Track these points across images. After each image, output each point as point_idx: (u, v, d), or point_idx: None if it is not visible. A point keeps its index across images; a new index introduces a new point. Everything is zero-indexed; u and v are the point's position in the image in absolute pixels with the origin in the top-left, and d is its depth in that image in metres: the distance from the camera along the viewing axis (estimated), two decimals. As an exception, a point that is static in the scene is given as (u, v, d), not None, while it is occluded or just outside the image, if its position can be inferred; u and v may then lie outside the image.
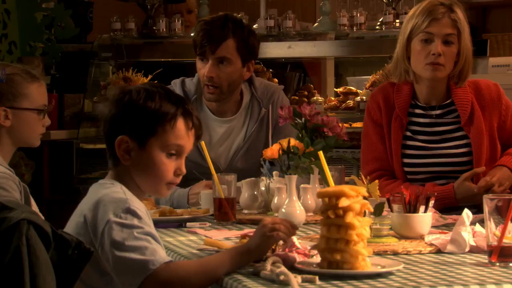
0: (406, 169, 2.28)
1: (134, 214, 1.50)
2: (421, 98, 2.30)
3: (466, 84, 2.28)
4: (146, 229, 1.50)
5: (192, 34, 2.55)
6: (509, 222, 1.51)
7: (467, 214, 1.69)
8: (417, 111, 2.31)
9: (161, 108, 1.56)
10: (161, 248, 1.50)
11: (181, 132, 1.58)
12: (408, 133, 2.29)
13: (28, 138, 2.10)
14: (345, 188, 1.45)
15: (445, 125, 2.29)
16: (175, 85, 2.61)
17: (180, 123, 1.58)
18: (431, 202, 1.82)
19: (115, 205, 1.50)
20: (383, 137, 2.30)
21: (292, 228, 1.54)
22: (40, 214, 1.72)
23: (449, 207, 2.19)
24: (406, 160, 2.28)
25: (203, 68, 2.49)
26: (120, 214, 1.49)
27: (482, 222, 1.67)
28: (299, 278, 1.38)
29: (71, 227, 1.56)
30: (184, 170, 1.62)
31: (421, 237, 1.78)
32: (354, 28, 3.83)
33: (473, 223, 1.73)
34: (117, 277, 1.49)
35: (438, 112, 2.29)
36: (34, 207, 2.09)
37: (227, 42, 2.46)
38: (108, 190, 1.54)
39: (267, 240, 1.50)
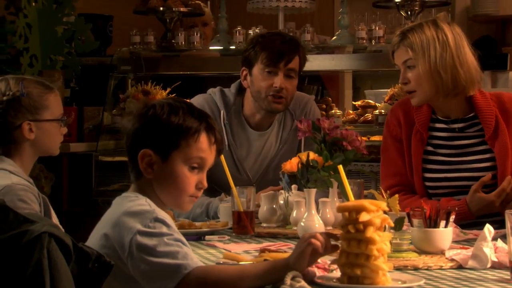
0: (428, 183, 2.26)
1: (162, 222, 1.51)
2: (439, 113, 2.29)
3: (489, 97, 2.27)
4: (176, 235, 1.51)
5: (247, 47, 2.61)
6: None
7: (488, 229, 1.68)
8: (438, 125, 2.29)
9: (185, 122, 1.57)
10: (192, 253, 1.51)
11: (204, 146, 1.59)
12: (429, 148, 2.28)
13: (50, 148, 2.12)
14: (366, 202, 1.44)
15: (468, 138, 2.27)
16: (214, 94, 2.63)
17: (203, 137, 1.59)
18: (452, 217, 1.81)
19: (142, 216, 1.51)
20: (402, 152, 2.29)
21: (334, 238, 1.50)
22: (60, 226, 1.73)
23: (469, 222, 2.16)
24: (427, 175, 2.26)
25: (268, 80, 2.52)
26: (148, 224, 1.50)
27: (504, 238, 1.65)
28: (319, 293, 1.37)
29: (95, 239, 1.56)
30: (205, 184, 1.62)
31: (441, 252, 1.76)
32: (373, 42, 3.83)
33: (494, 239, 1.71)
34: (149, 283, 1.48)
35: (460, 125, 2.28)
36: (55, 218, 2.10)
37: (296, 57, 2.54)
38: (133, 203, 1.55)
39: (304, 250, 1.46)
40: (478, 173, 2.23)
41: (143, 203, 1.55)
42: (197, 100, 2.63)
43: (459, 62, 2.20)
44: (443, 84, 2.19)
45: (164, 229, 1.50)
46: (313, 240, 1.47)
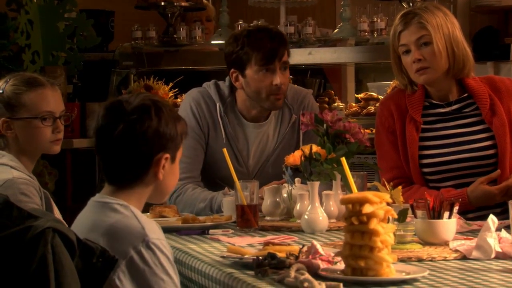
0: (425, 170, 2.26)
1: (155, 248, 1.48)
2: (435, 97, 2.30)
3: (479, 79, 2.29)
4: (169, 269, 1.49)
5: (232, 48, 2.52)
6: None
7: (492, 220, 1.68)
8: (432, 111, 2.30)
9: (184, 124, 1.60)
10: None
11: None
12: (426, 134, 2.28)
13: (38, 146, 2.09)
14: (369, 194, 1.44)
15: (464, 118, 2.28)
16: (209, 87, 2.61)
17: None
18: (456, 208, 1.81)
19: (132, 236, 1.47)
20: (396, 144, 2.30)
21: None
22: (63, 221, 1.73)
23: (472, 217, 2.16)
24: (424, 161, 2.26)
25: (267, 79, 2.48)
26: (140, 249, 1.47)
27: (508, 228, 1.65)
28: (323, 285, 1.37)
29: None
30: None
31: (445, 244, 1.76)
32: (375, 34, 3.82)
33: (498, 229, 1.71)
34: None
35: (455, 106, 2.28)
36: (57, 213, 2.10)
37: (285, 48, 2.53)
38: (120, 216, 1.51)
39: None
40: (479, 153, 2.23)
41: (130, 215, 1.51)
42: (192, 94, 2.61)
43: (465, 40, 2.24)
44: (456, 61, 2.22)
45: (157, 260, 1.47)
46: None
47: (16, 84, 2.07)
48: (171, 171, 1.59)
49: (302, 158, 2.14)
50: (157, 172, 1.56)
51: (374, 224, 1.42)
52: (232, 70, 2.55)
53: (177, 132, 1.57)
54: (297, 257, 1.54)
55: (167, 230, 2.07)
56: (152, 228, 1.52)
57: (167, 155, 1.56)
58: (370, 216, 1.42)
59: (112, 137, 1.54)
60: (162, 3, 4.17)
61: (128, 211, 1.53)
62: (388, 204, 1.47)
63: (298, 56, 3.94)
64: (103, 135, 1.56)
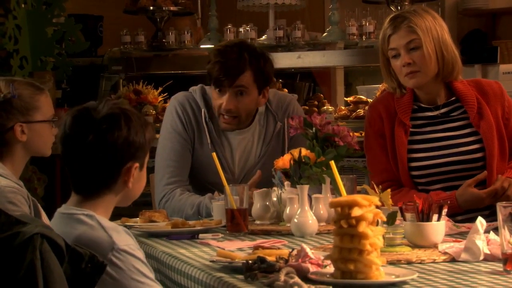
0: (414, 173, 2.27)
1: (125, 254, 1.48)
2: (423, 100, 2.31)
3: (467, 82, 2.30)
4: (142, 269, 1.49)
5: (209, 59, 2.51)
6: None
7: (480, 222, 1.68)
8: (420, 114, 2.31)
9: (152, 133, 1.60)
10: None
11: None
12: (415, 137, 2.29)
13: (42, 149, 2.11)
14: (358, 197, 1.44)
15: (452, 121, 2.29)
16: (195, 92, 2.59)
17: None
18: (444, 211, 1.82)
19: (100, 247, 1.47)
20: (386, 148, 2.30)
21: None
22: (52, 227, 1.72)
23: (462, 219, 2.17)
24: (413, 164, 2.27)
25: (219, 99, 2.47)
26: (111, 258, 1.46)
27: (496, 230, 1.66)
28: (312, 288, 1.37)
29: None
30: None
31: (434, 246, 1.77)
32: (363, 37, 3.84)
33: (487, 231, 1.72)
34: None
35: (443, 110, 2.30)
36: (45, 220, 2.09)
37: (244, 74, 2.44)
38: (85, 228, 1.50)
39: None
40: (467, 156, 2.24)
41: (96, 225, 1.50)
42: (178, 98, 2.59)
43: (453, 43, 2.25)
44: (445, 64, 2.23)
45: (131, 261, 1.47)
46: None
47: (27, 88, 2.07)
48: (140, 178, 1.59)
49: (291, 161, 2.14)
50: (127, 181, 1.56)
51: (363, 227, 1.42)
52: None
53: (146, 139, 1.57)
54: (286, 261, 1.54)
55: (157, 235, 2.07)
56: (119, 235, 1.51)
57: (137, 164, 1.56)
58: (359, 219, 1.42)
59: (81, 146, 1.52)
60: (151, 8, 4.17)
61: (93, 221, 1.52)
62: (377, 207, 1.47)
63: (287, 60, 3.95)
64: (71, 144, 1.54)
